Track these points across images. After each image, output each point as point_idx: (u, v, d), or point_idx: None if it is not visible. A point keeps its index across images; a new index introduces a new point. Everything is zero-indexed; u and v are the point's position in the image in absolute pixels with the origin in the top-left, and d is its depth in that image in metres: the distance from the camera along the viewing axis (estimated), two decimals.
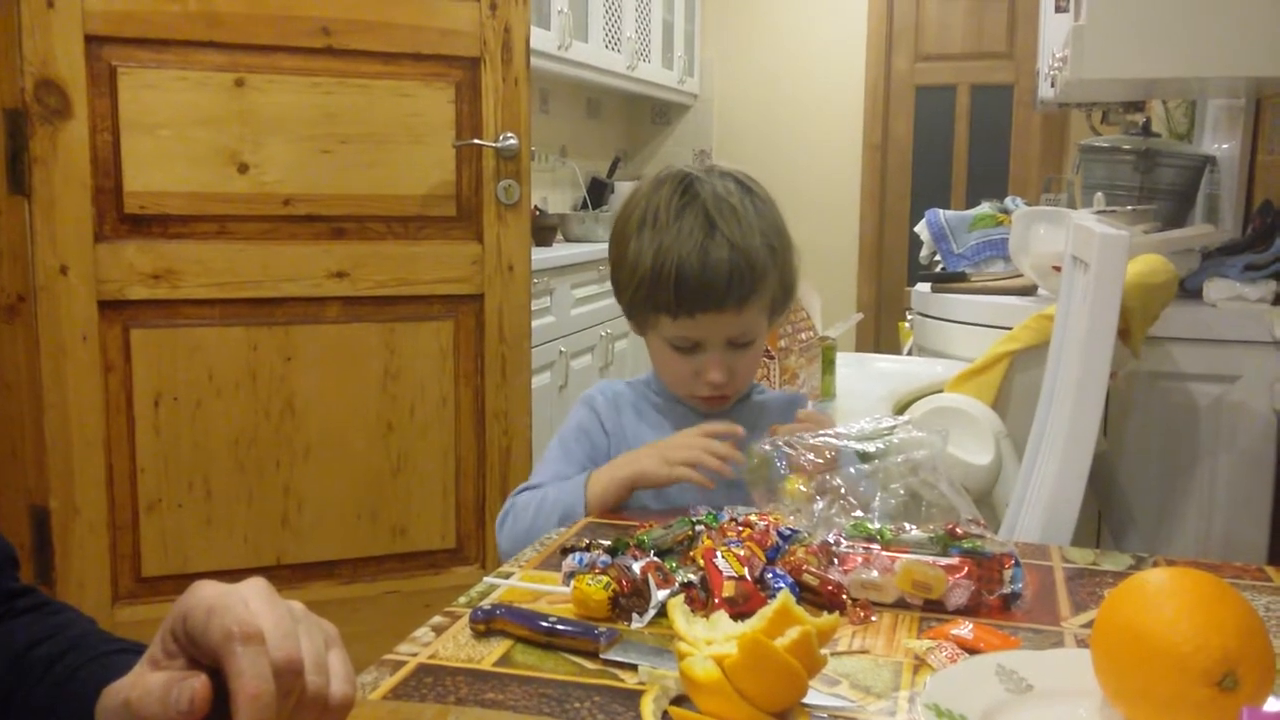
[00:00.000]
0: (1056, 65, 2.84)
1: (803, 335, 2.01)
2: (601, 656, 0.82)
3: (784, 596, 0.73)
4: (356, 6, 2.17)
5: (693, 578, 0.91)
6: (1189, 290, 2.30)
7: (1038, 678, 0.75)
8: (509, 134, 2.29)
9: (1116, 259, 1.48)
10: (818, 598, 0.92)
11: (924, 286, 2.79)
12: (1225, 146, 2.98)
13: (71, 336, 2.04)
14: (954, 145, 5.59)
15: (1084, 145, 3.10)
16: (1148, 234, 2.32)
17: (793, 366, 1.98)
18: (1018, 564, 0.94)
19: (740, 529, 0.99)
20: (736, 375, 1.29)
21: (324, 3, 2.14)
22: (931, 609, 0.92)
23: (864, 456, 1.06)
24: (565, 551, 0.99)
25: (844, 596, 0.92)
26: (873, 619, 0.91)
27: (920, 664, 0.82)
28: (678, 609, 0.76)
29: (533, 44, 2.35)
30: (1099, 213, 2.40)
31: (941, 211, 3.14)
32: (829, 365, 2.17)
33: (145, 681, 0.58)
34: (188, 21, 2.07)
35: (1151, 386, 2.23)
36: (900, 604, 0.93)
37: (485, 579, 0.99)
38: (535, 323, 2.61)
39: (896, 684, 0.79)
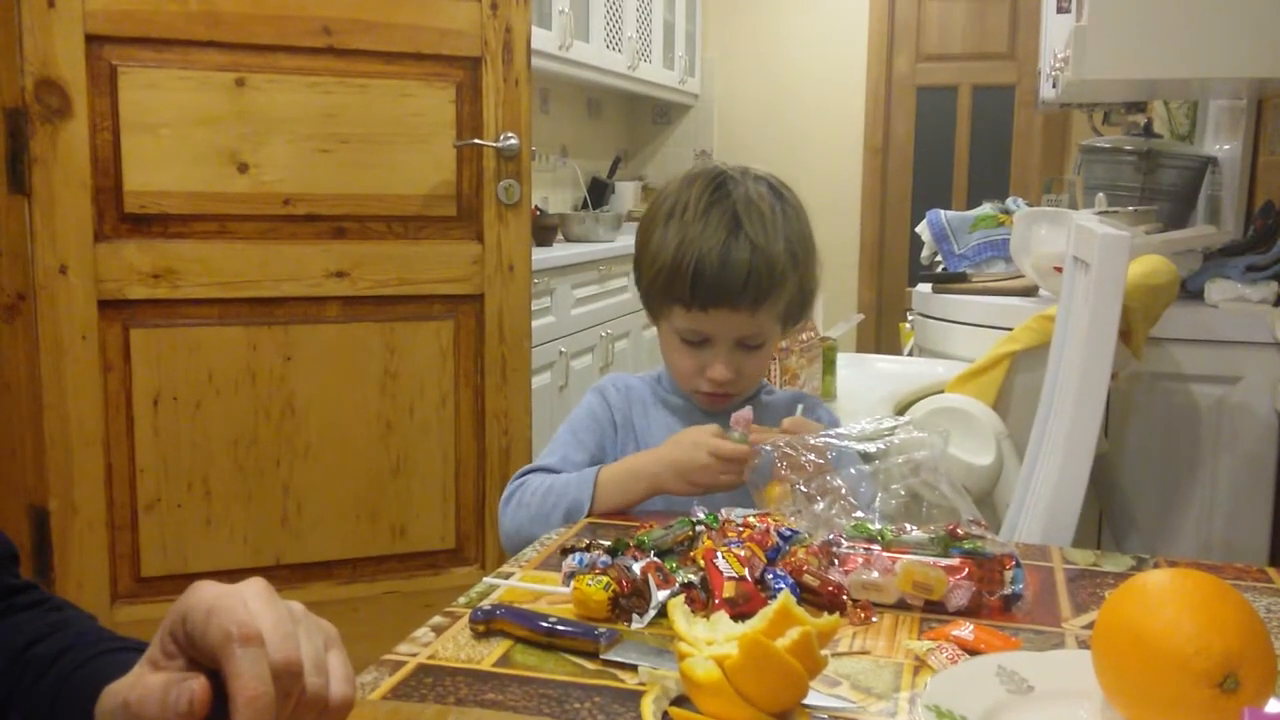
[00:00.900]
0: (1058, 66, 2.84)
1: (803, 335, 2.01)
2: (601, 657, 0.82)
3: (784, 597, 0.73)
4: (357, 6, 2.17)
5: (693, 578, 0.91)
6: (1190, 291, 2.29)
7: (1039, 679, 0.75)
8: (509, 134, 2.28)
9: (1118, 260, 1.48)
10: (818, 598, 0.92)
11: (925, 287, 2.79)
12: (1227, 147, 2.98)
13: (71, 336, 2.04)
14: (955, 146, 5.59)
15: (1085, 146, 3.10)
16: (1149, 235, 2.32)
17: (793, 367, 1.98)
18: (1018, 565, 0.93)
19: (740, 529, 0.99)
20: (742, 376, 1.29)
21: (325, 2, 2.14)
22: (932, 610, 0.92)
23: (865, 457, 1.06)
24: (565, 552, 0.99)
25: (844, 597, 0.92)
26: (873, 620, 0.91)
27: (921, 665, 0.82)
28: (678, 609, 0.76)
29: (534, 44, 2.35)
30: (1100, 213, 2.40)
31: (943, 212, 3.13)
32: (830, 366, 2.17)
33: (144, 683, 0.57)
34: (188, 21, 2.07)
35: (1152, 387, 2.23)
36: (901, 605, 0.93)
37: (485, 579, 0.99)
38: (535, 323, 2.61)
39: (897, 685, 0.79)
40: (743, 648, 0.68)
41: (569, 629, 0.84)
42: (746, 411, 1.20)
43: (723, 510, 1.06)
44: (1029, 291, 2.58)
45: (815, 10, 5.64)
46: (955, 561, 0.93)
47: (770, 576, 0.92)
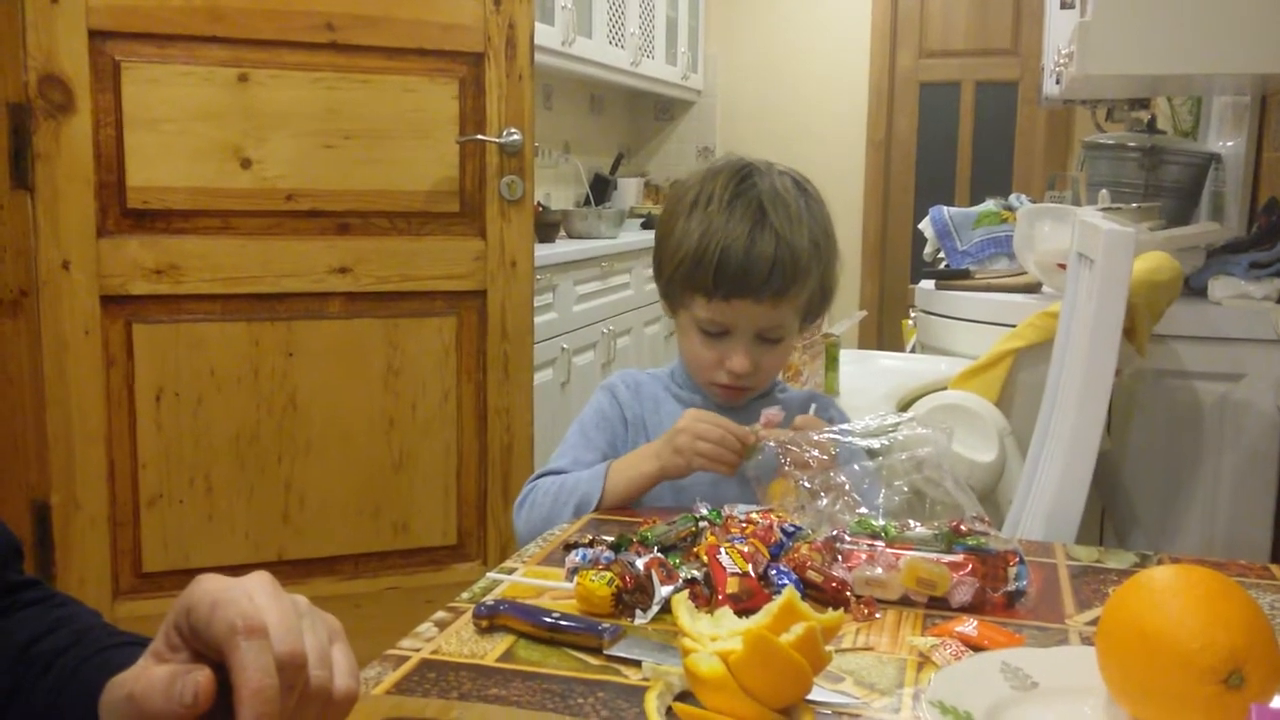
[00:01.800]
0: (1061, 62, 2.83)
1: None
2: (605, 652, 0.82)
3: (789, 593, 0.73)
4: (360, 1, 2.16)
5: (696, 574, 0.91)
6: (1194, 288, 2.29)
7: (1042, 675, 0.75)
8: (512, 130, 2.28)
9: (1122, 256, 1.47)
10: (822, 594, 0.92)
11: (928, 283, 2.78)
12: (1230, 144, 2.97)
13: (74, 331, 2.04)
14: (958, 142, 5.58)
15: (1089, 142, 3.10)
16: (1153, 231, 2.31)
17: (796, 363, 1.98)
18: (1022, 561, 0.93)
19: (744, 525, 0.99)
20: (760, 369, 1.28)
21: None
22: (936, 606, 0.92)
23: (869, 453, 1.06)
24: (569, 547, 0.99)
25: (848, 593, 0.92)
26: (877, 616, 0.91)
27: (925, 661, 0.82)
28: (682, 605, 0.76)
29: (536, 40, 2.35)
30: (1104, 210, 2.39)
31: (946, 208, 3.13)
32: (832, 362, 2.17)
33: (149, 675, 0.57)
34: (191, 16, 2.07)
35: (1156, 384, 2.22)
36: (905, 601, 0.93)
37: (488, 574, 0.99)
38: (538, 319, 2.61)
39: (901, 681, 0.79)
40: (747, 643, 0.68)
41: (572, 624, 0.84)
42: (777, 411, 1.19)
43: (726, 506, 1.06)
44: (1032, 288, 2.58)
45: (818, 6, 5.63)
46: (959, 558, 0.93)
47: (774, 572, 0.92)
